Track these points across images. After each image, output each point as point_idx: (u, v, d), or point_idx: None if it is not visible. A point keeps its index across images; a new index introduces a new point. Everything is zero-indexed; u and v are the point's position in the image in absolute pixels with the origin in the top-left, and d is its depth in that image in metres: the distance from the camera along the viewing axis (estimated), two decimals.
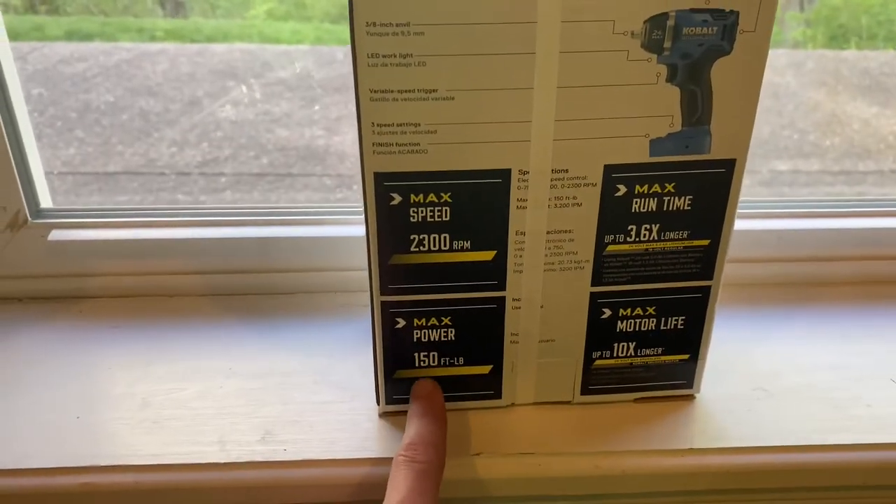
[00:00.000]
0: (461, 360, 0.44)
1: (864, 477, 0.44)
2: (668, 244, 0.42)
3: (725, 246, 0.42)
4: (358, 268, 0.57)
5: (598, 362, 0.45)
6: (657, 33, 0.36)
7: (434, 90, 0.36)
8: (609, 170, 0.39)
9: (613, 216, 0.40)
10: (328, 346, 0.52)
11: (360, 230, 0.55)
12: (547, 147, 0.38)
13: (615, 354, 0.45)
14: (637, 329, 0.44)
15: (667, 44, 0.36)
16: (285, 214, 0.59)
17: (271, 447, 0.43)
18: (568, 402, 0.46)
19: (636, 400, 0.47)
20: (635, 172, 0.39)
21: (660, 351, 0.45)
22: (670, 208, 0.41)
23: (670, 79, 0.37)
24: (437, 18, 0.35)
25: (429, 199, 0.39)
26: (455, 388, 0.45)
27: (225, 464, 0.42)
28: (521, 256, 0.41)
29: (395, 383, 0.44)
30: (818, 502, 0.46)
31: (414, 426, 0.40)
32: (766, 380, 0.49)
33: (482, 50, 0.36)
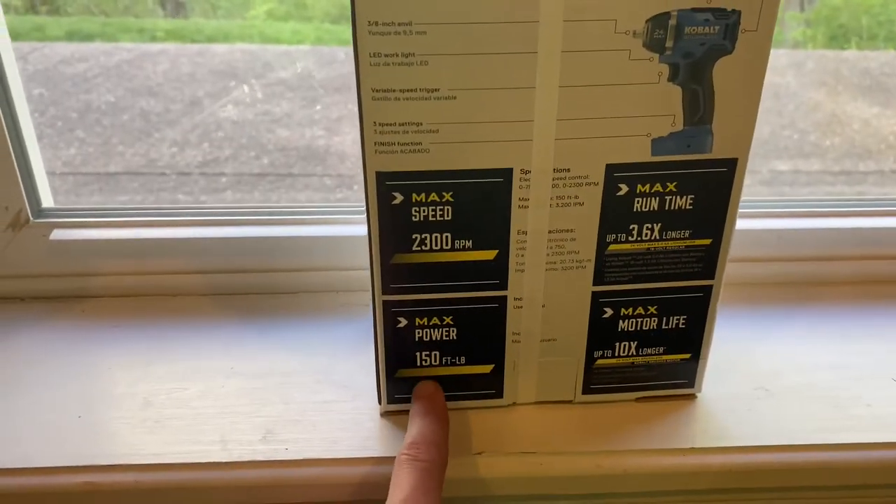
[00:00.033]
0: (463, 359, 0.44)
1: (865, 476, 0.44)
2: (670, 243, 0.42)
3: (727, 245, 0.42)
4: (359, 267, 0.57)
5: (599, 361, 0.45)
6: (659, 33, 0.36)
7: (436, 89, 0.36)
8: (611, 169, 0.39)
9: (615, 215, 0.41)
10: (329, 346, 0.52)
11: (361, 230, 0.55)
12: (549, 146, 0.38)
13: (616, 354, 0.45)
14: (638, 328, 0.44)
15: (669, 43, 0.36)
16: (287, 214, 0.59)
17: (273, 446, 0.43)
18: (569, 402, 0.46)
19: (637, 399, 0.47)
20: (637, 172, 0.39)
21: (661, 350, 0.45)
22: (672, 208, 0.41)
23: (672, 78, 0.37)
24: (439, 18, 0.35)
25: (430, 198, 0.39)
26: (456, 388, 0.45)
27: (226, 463, 0.42)
28: (522, 256, 0.41)
29: (397, 382, 0.44)
30: (819, 502, 0.46)
31: (416, 425, 0.40)
32: (767, 379, 0.49)
33: (484, 49, 0.36)
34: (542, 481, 0.43)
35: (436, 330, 0.43)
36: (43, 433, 0.44)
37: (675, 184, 0.40)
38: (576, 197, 0.40)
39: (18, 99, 0.55)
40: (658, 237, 0.41)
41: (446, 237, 0.40)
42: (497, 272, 0.41)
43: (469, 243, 0.40)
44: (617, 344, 0.45)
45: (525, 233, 0.40)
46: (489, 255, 0.41)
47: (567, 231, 0.41)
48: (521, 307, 0.43)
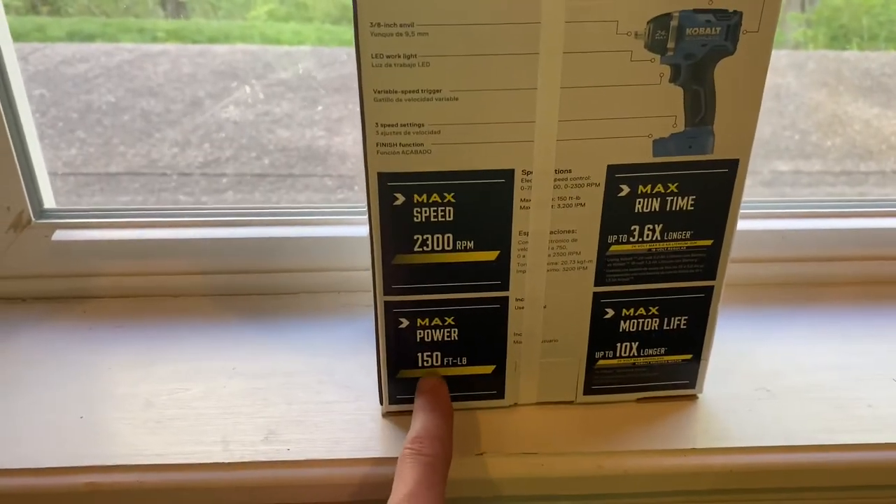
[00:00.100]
0: (464, 360, 0.44)
1: (867, 477, 0.44)
2: (671, 244, 0.42)
3: (728, 246, 0.42)
4: (361, 268, 0.57)
5: (600, 362, 0.45)
6: (661, 34, 0.36)
7: (438, 90, 0.36)
8: (612, 170, 0.39)
9: (616, 216, 0.41)
10: (331, 346, 0.52)
11: (362, 230, 0.55)
12: (550, 147, 0.38)
13: (618, 354, 0.45)
14: (640, 329, 0.44)
15: (670, 44, 0.36)
16: (288, 214, 0.59)
17: (275, 447, 0.43)
18: (571, 402, 0.46)
19: (639, 400, 0.47)
20: (638, 172, 0.39)
21: (662, 351, 0.45)
22: (673, 208, 0.41)
23: (674, 79, 0.37)
24: (441, 19, 0.35)
25: (432, 199, 0.39)
26: (458, 388, 0.45)
27: (228, 464, 0.42)
28: (524, 256, 0.41)
29: (399, 383, 0.44)
30: (820, 502, 0.46)
31: (420, 420, 0.40)
32: (769, 380, 0.49)
33: (486, 50, 0.36)
34: (543, 482, 0.43)
35: (437, 330, 0.43)
36: (45, 433, 0.44)
37: (676, 184, 0.40)
38: (577, 198, 0.40)
39: (20, 99, 0.55)
40: (659, 238, 0.41)
41: (448, 238, 0.40)
42: (498, 273, 0.41)
43: (470, 244, 0.40)
44: (618, 344, 0.45)
45: (526, 233, 0.40)
46: (491, 255, 0.41)
47: (568, 232, 0.41)
48: (523, 308, 0.43)
